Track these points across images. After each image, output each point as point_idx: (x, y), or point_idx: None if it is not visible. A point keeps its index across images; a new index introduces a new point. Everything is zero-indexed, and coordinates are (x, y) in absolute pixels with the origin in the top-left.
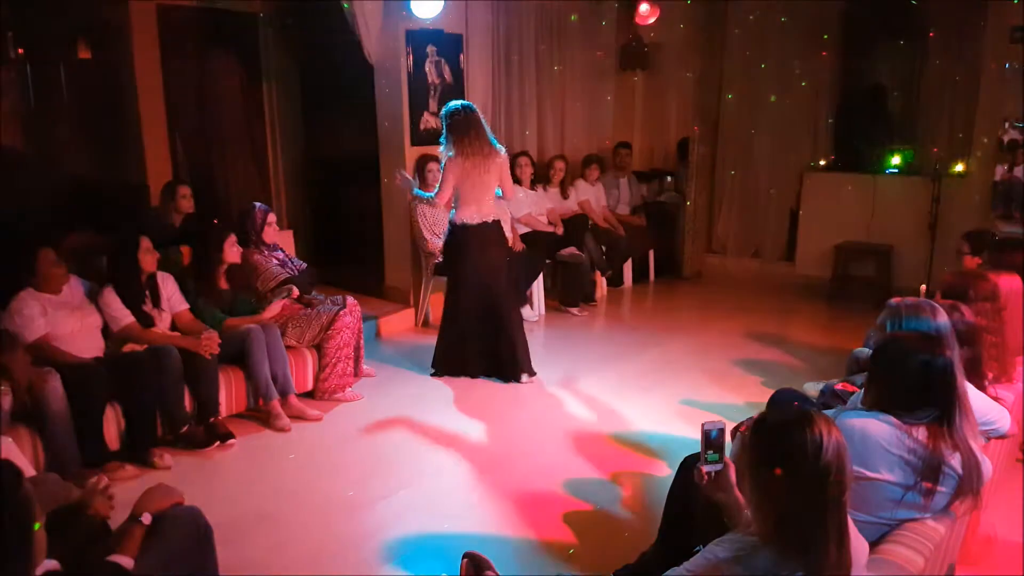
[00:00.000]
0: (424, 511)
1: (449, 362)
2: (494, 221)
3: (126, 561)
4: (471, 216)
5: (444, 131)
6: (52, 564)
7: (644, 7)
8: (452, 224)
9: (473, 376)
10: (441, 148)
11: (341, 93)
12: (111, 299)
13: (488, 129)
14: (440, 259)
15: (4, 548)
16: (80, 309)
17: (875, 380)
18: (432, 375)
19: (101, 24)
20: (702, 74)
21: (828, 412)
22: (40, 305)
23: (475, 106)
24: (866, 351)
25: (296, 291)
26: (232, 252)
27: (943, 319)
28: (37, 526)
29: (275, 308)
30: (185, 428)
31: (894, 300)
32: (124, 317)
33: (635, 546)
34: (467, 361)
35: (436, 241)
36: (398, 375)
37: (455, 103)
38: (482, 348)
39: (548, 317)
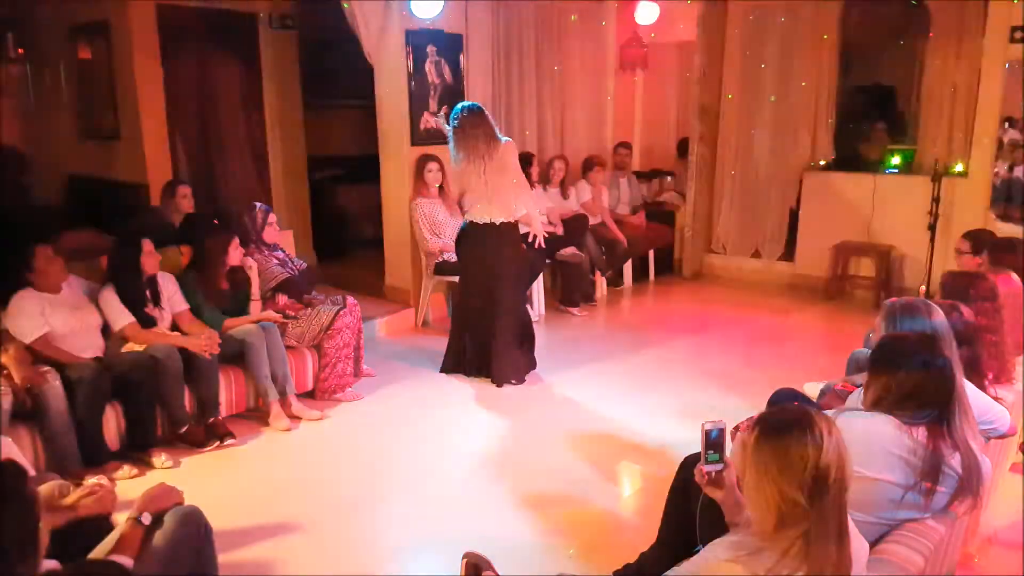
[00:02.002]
0: (424, 511)
1: (455, 361)
2: (502, 223)
3: (126, 561)
4: (479, 216)
5: (451, 137)
6: (52, 564)
7: (644, 7)
8: (464, 223)
9: (473, 376)
10: (452, 158)
11: (341, 93)
12: (111, 299)
13: (493, 124)
14: (441, 259)
15: (11, 547)
16: (80, 309)
17: (875, 380)
18: (440, 371)
19: (101, 24)
20: (702, 74)
21: (828, 412)
22: (40, 305)
23: (478, 105)
24: (866, 351)
25: (283, 300)
26: (235, 254)
27: (939, 318)
28: (42, 524)
29: (256, 308)
30: (185, 428)
31: (890, 300)
32: (124, 317)
33: (635, 546)
34: (471, 361)
35: (436, 241)
36: (398, 375)
37: (458, 107)
38: (481, 348)
39: (548, 317)
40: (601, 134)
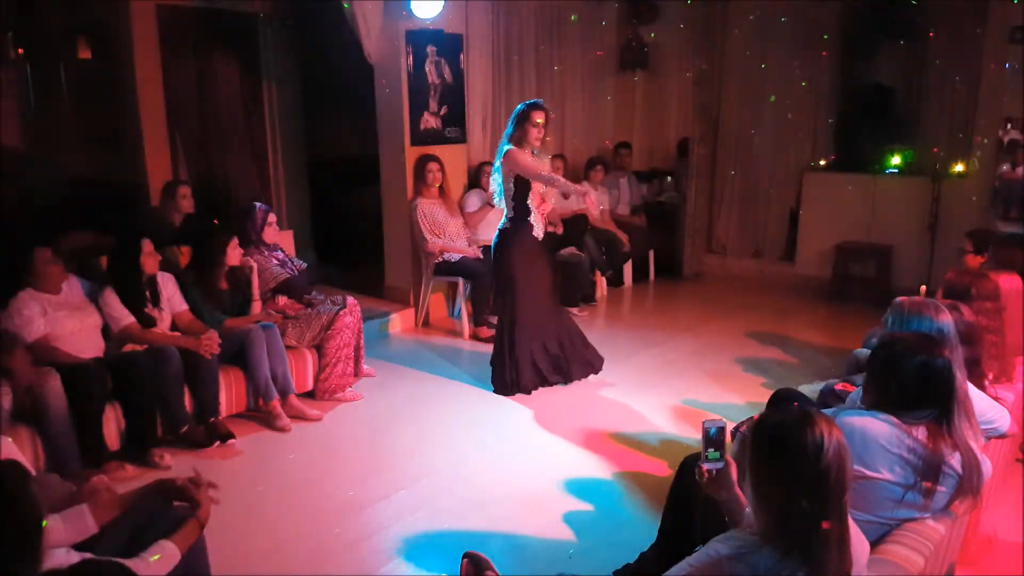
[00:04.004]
0: (424, 511)
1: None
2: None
3: (174, 551)
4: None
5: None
6: (56, 560)
7: (643, 6)
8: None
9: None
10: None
11: (341, 93)
12: (111, 299)
13: (512, 126)
14: (440, 259)
15: (13, 546)
16: (80, 309)
17: (874, 380)
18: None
19: (101, 24)
20: (702, 74)
21: (827, 411)
22: (40, 305)
23: (524, 104)
24: (866, 351)
25: (283, 300)
26: (234, 255)
27: (945, 319)
28: (44, 524)
29: (255, 309)
30: (185, 428)
31: (900, 299)
32: (124, 317)
33: (635, 546)
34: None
35: (436, 241)
36: (398, 375)
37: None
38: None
39: None
40: (601, 134)
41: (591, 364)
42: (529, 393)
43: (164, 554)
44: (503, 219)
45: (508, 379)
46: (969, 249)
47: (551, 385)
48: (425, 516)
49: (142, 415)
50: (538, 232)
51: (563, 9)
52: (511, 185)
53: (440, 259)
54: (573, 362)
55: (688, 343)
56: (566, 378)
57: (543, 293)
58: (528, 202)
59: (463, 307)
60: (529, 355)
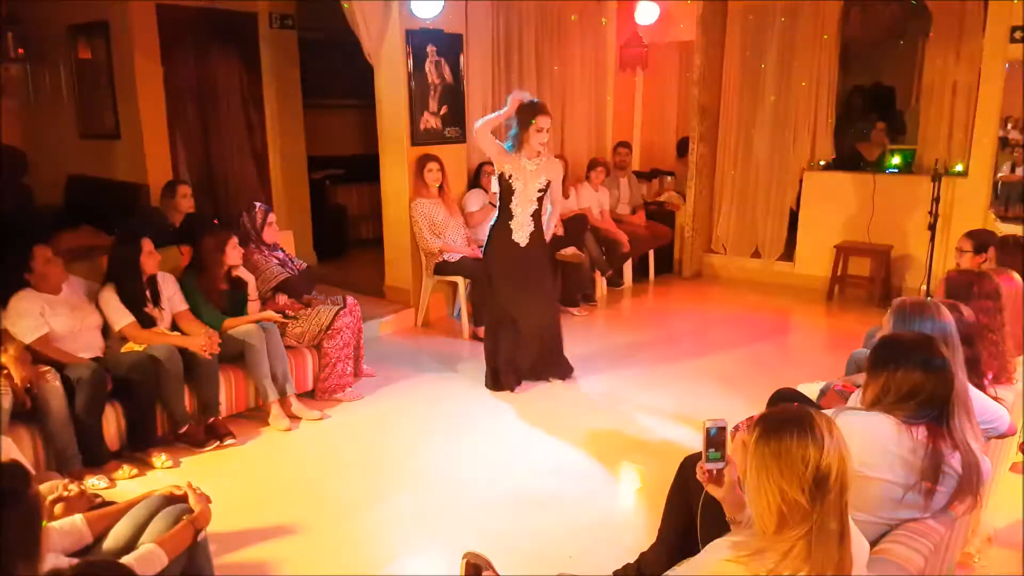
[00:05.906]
0: (424, 511)
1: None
2: None
3: (162, 555)
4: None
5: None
6: (55, 560)
7: (644, 7)
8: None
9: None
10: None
11: (341, 93)
12: (111, 299)
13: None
14: (440, 259)
15: (14, 546)
16: (80, 309)
17: (873, 379)
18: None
19: (101, 23)
20: (702, 74)
21: (827, 411)
22: (40, 305)
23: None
24: (866, 351)
25: (283, 300)
26: (233, 254)
27: (947, 319)
28: (45, 524)
29: (255, 308)
30: (185, 428)
31: (900, 299)
32: (124, 317)
33: (635, 546)
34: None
35: (436, 241)
36: (398, 375)
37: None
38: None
39: None
40: (601, 134)
41: (564, 370)
42: (512, 391)
43: (152, 558)
44: (494, 218)
45: (491, 377)
46: (968, 249)
47: (528, 382)
48: (425, 516)
49: (142, 415)
50: (519, 237)
51: (563, 9)
52: (498, 185)
53: (440, 259)
54: (549, 365)
55: (688, 343)
56: (542, 377)
57: (521, 295)
58: (511, 205)
59: (463, 307)
60: (505, 354)
